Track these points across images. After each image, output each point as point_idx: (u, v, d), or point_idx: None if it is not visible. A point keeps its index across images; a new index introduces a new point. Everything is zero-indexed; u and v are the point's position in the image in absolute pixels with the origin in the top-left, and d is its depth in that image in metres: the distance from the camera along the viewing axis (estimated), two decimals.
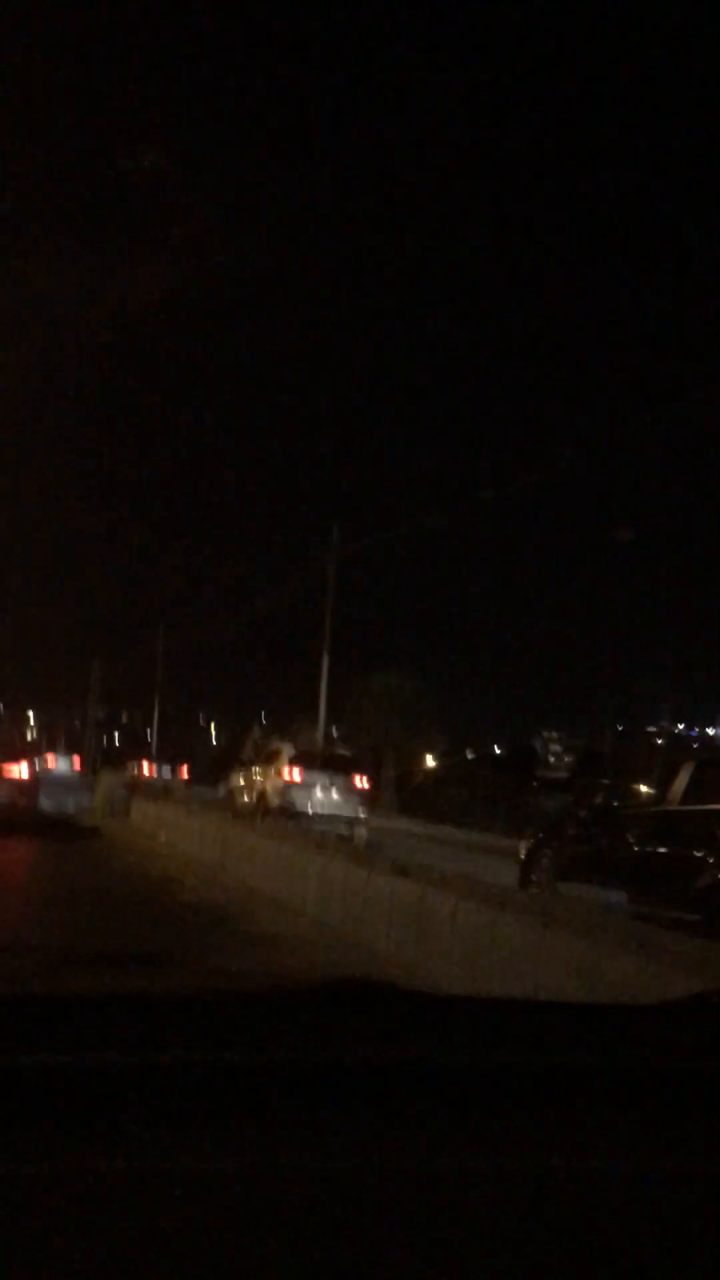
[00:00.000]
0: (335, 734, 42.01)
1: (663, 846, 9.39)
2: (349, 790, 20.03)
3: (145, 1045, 1.27)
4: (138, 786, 27.54)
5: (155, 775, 34.98)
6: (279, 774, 20.18)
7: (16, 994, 1.52)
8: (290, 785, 19.75)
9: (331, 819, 19.11)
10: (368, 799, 20.51)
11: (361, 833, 19.06)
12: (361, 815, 19.81)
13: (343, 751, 26.20)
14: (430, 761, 55.07)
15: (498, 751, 76.41)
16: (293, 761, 20.36)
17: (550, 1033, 1.51)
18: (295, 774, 19.95)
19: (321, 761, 21.10)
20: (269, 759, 21.51)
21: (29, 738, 59.58)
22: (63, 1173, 1.02)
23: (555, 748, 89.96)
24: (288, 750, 21.39)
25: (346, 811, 19.61)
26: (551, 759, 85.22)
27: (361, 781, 20.53)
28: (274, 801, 19.81)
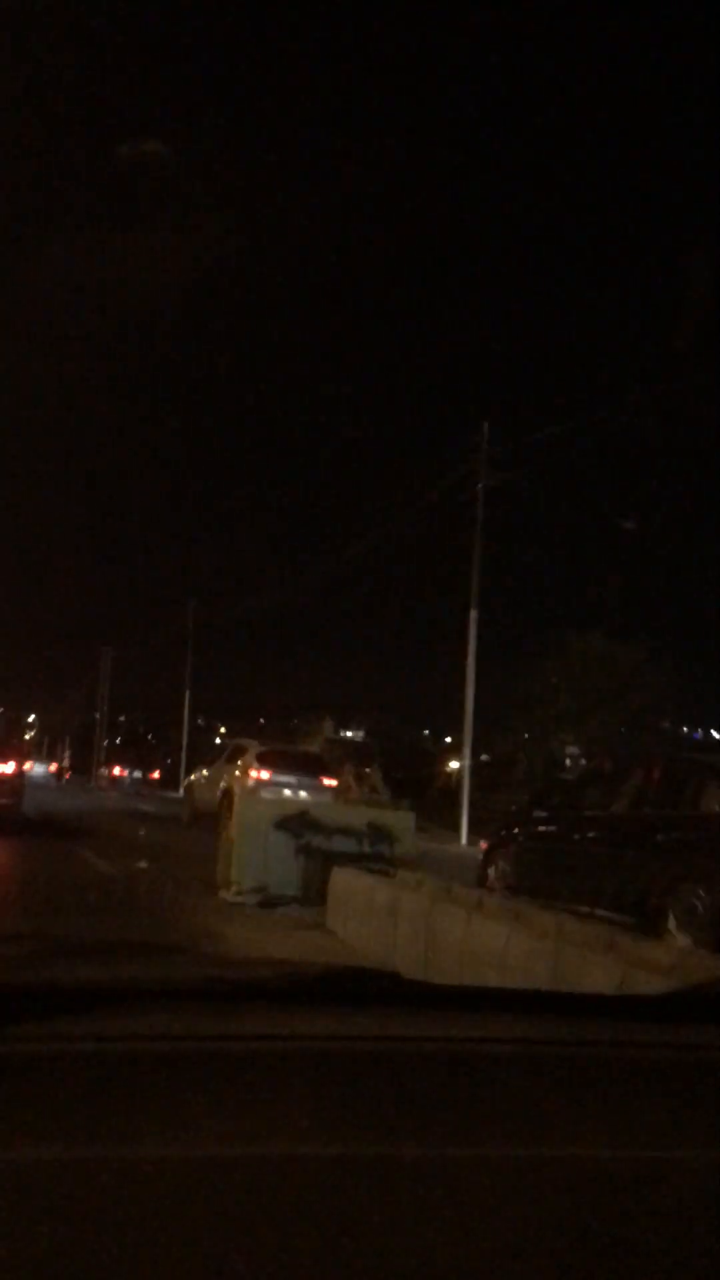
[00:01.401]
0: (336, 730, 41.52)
1: (605, 849, 9.68)
2: (318, 790, 19.51)
3: (143, 1032, 1.27)
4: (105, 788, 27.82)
5: (126, 776, 35.55)
6: (244, 773, 19.66)
7: (16, 981, 1.50)
8: (258, 784, 19.17)
9: None
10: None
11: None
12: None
13: (311, 749, 25.95)
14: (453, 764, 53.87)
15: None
16: (259, 759, 19.88)
17: (553, 1023, 1.52)
18: (263, 773, 19.46)
19: (290, 760, 20.62)
20: (233, 757, 21.09)
21: (26, 736, 58.66)
22: (63, 1160, 1.02)
23: (572, 749, 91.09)
24: (253, 748, 20.87)
25: None
26: (568, 761, 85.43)
27: (329, 780, 20.17)
28: None
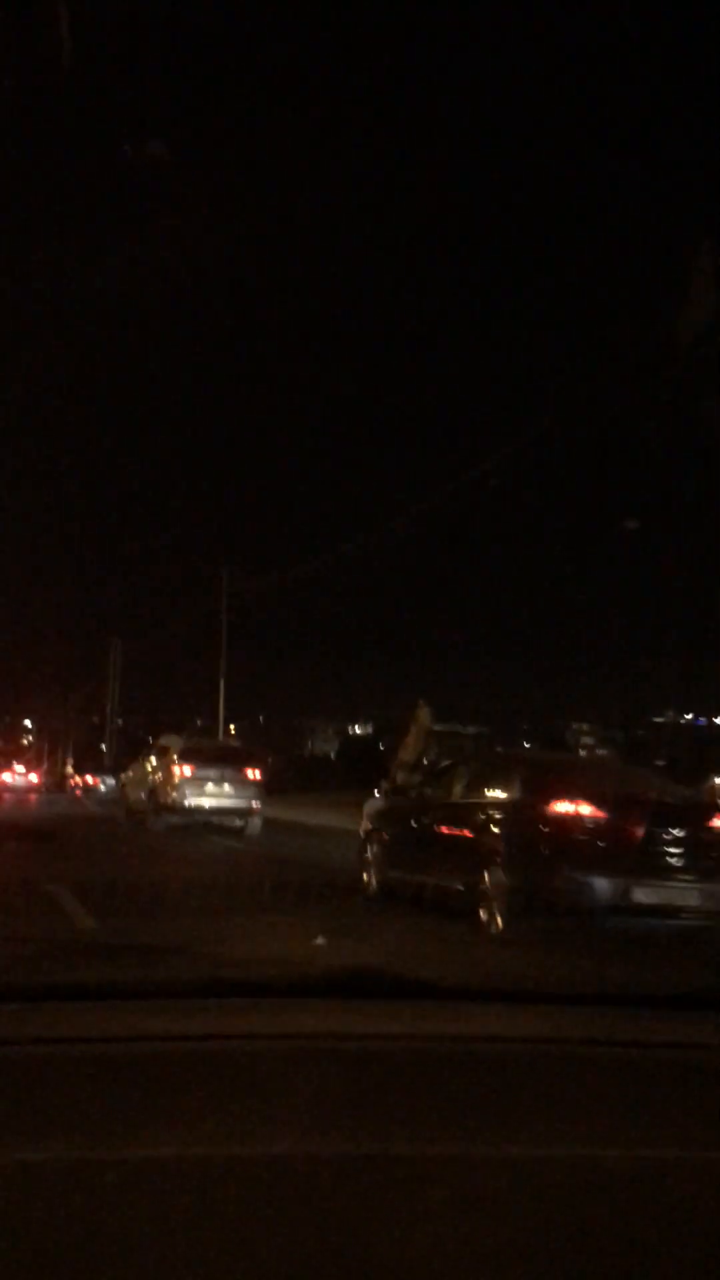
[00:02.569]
0: (234, 731, 43.27)
1: (447, 830, 10.55)
2: (241, 783, 20.15)
3: (145, 1032, 1.28)
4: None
5: (99, 785, 35.46)
6: (170, 769, 20.28)
7: (19, 981, 1.50)
8: (182, 780, 19.82)
9: (224, 812, 19.79)
10: (261, 791, 20.65)
11: (255, 823, 19.79)
12: (255, 806, 20.12)
13: (235, 744, 26.54)
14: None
15: (525, 745, 76.00)
16: (182, 756, 20.41)
17: (557, 1021, 1.51)
18: (186, 769, 20.01)
19: (213, 755, 21.18)
20: (159, 755, 21.66)
21: (25, 741, 58.93)
22: (65, 1160, 1.02)
23: (587, 740, 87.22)
24: (177, 745, 21.40)
25: (239, 804, 19.95)
26: (583, 751, 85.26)
27: (254, 774, 20.70)
28: (166, 798, 20.00)
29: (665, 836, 8.98)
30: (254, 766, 20.78)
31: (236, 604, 35.96)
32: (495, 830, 9.63)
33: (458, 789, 10.86)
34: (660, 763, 18.09)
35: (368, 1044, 1.34)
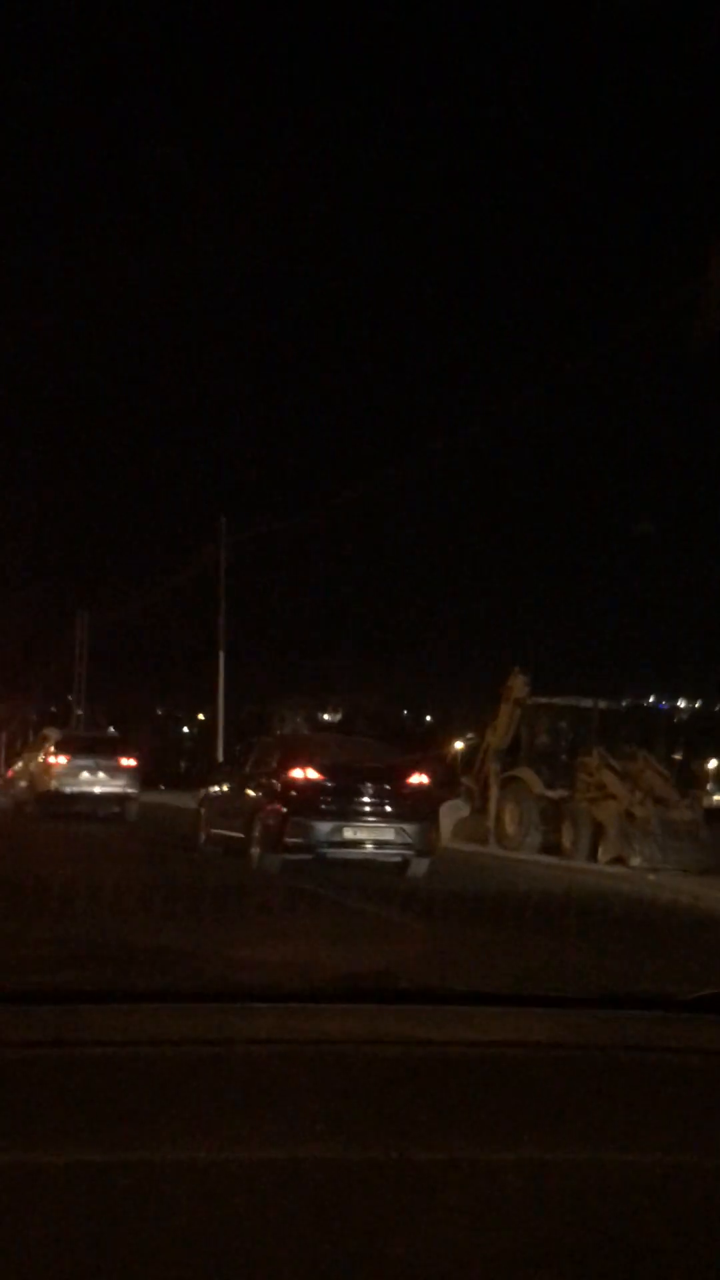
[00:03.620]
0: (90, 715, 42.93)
1: (237, 796, 14.06)
2: (116, 770, 21.85)
3: (153, 1037, 1.32)
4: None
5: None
6: (46, 760, 21.86)
7: (26, 985, 1.56)
8: (58, 770, 21.40)
9: (100, 799, 21.52)
10: (137, 777, 22.31)
11: (133, 809, 21.58)
12: (131, 792, 21.93)
13: (112, 733, 28.11)
14: None
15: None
16: (58, 746, 22.05)
17: (567, 1025, 1.54)
18: (61, 758, 21.61)
19: (88, 745, 22.73)
20: (40, 745, 23.19)
21: None
22: (73, 1164, 1.03)
23: (562, 724, 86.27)
24: (54, 735, 23.17)
25: (115, 790, 21.78)
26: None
27: (128, 761, 22.29)
28: (44, 786, 21.56)
29: (368, 790, 12.48)
30: (129, 755, 22.47)
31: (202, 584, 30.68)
32: (261, 793, 13.12)
33: (249, 763, 14.25)
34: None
35: (376, 1049, 1.36)
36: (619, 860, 14.89)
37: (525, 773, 17.25)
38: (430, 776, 13.51)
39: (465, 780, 18.20)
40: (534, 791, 16.91)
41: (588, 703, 18.44)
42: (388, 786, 12.56)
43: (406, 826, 12.38)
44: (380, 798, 12.42)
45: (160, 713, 74.91)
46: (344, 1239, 0.98)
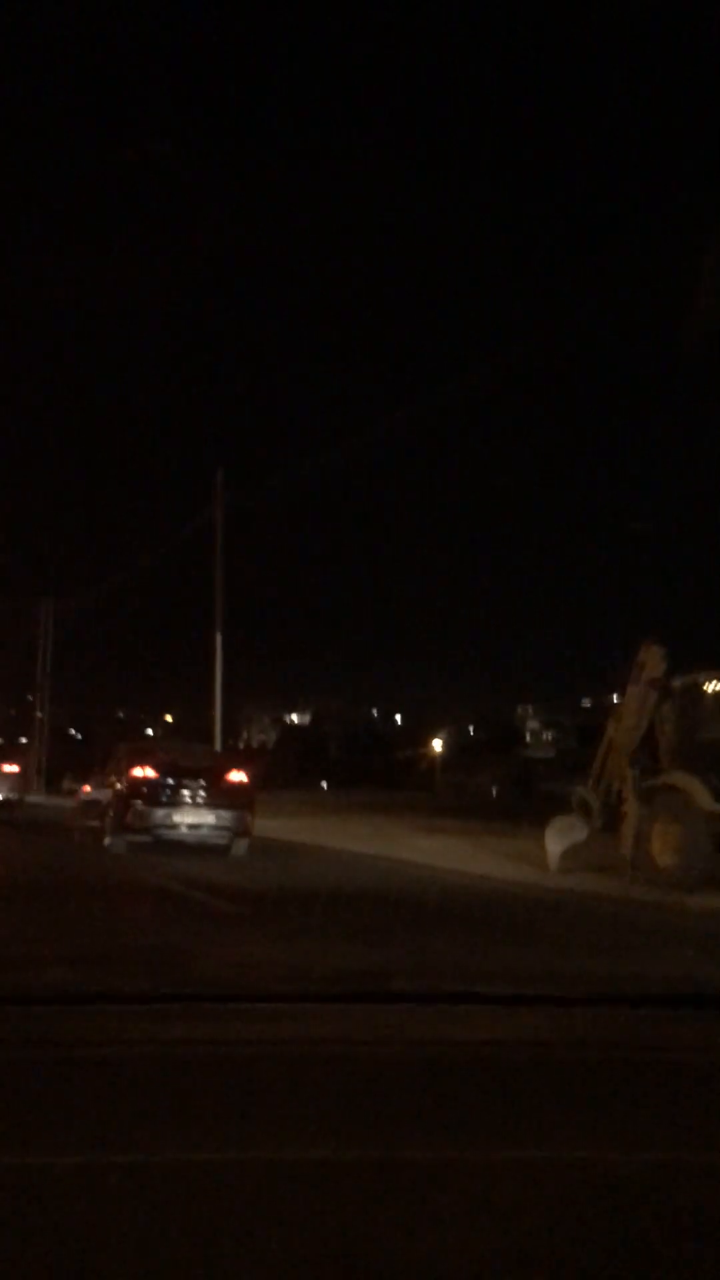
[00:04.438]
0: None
1: (100, 792, 17.77)
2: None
3: (149, 1037, 1.33)
4: None
5: None
6: None
7: (22, 987, 1.60)
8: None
9: None
10: (21, 783, 26.63)
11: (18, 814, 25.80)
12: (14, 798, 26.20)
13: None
14: None
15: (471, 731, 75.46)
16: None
17: (560, 1024, 1.55)
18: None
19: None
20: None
21: None
22: (70, 1165, 1.04)
23: (532, 724, 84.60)
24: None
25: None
26: (528, 737, 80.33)
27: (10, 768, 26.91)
28: None
29: (192, 784, 15.62)
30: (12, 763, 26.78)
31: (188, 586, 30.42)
32: (112, 790, 16.47)
33: (108, 767, 17.59)
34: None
35: (371, 1049, 1.37)
36: None
37: (686, 780, 12.06)
38: (249, 775, 16.56)
39: (582, 791, 13.41)
40: (702, 807, 11.81)
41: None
42: (211, 782, 15.71)
43: (225, 813, 15.54)
44: (205, 791, 15.57)
45: (122, 715, 73.72)
46: (338, 1239, 0.97)
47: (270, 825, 18.14)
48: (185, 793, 15.59)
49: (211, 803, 15.61)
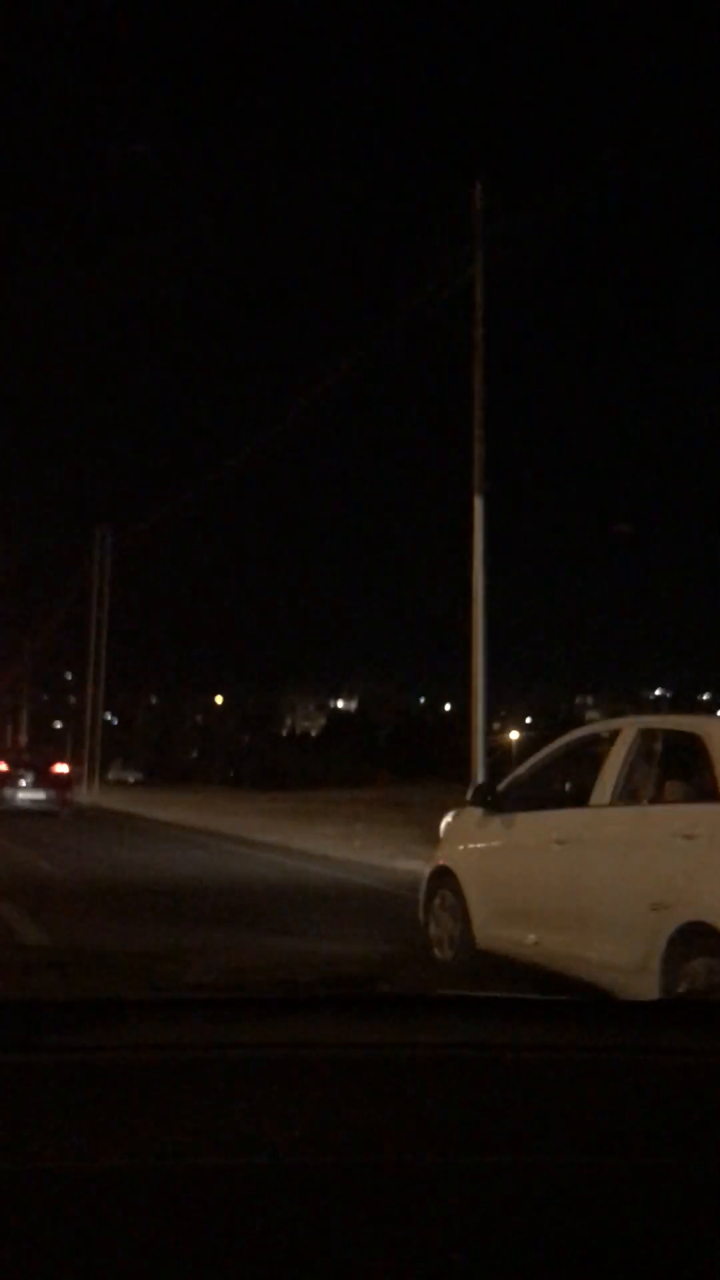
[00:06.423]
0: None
1: None
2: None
3: (142, 1042, 1.34)
4: None
5: None
6: None
7: (15, 993, 1.60)
8: None
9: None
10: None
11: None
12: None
13: None
14: None
15: (528, 720, 73.99)
16: None
17: (549, 1029, 1.56)
18: None
19: None
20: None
21: None
22: (64, 1170, 1.04)
23: (593, 715, 79.61)
24: None
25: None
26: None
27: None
28: None
29: (31, 772, 25.54)
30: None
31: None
32: None
33: None
34: None
35: (364, 1053, 1.38)
36: None
37: None
38: (70, 768, 26.42)
39: None
40: None
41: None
42: (43, 771, 25.64)
43: (50, 792, 25.36)
44: (38, 777, 25.44)
45: (155, 701, 76.72)
46: (332, 1245, 0.98)
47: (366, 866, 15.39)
48: (28, 778, 25.53)
49: (43, 784, 25.43)
